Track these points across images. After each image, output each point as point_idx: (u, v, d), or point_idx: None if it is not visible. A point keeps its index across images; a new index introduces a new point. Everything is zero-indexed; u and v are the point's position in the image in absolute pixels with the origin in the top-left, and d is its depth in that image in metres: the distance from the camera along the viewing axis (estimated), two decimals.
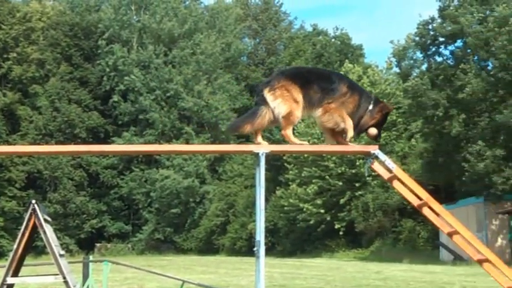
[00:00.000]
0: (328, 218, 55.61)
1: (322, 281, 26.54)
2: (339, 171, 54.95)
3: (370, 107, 8.92)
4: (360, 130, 8.93)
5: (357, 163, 52.72)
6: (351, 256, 52.93)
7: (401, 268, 35.52)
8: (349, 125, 8.76)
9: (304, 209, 56.35)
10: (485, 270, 8.28)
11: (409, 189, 8.58)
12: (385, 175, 8.88)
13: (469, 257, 9.40)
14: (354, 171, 54.29)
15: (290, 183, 59.78)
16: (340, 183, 55.13)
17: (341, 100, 8.82)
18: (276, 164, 60.30)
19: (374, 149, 8.65)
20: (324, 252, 56.32)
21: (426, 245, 49.54)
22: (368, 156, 8.88)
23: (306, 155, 54.23)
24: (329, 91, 8.83)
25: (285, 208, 59.62)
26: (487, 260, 8.11)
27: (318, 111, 8.84)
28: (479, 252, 8.19)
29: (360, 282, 25.38)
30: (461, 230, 8.22)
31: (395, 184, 8.73)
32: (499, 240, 42.02)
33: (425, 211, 8.56)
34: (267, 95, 8.76)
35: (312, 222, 56.30)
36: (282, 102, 8.68)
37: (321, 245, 57.83)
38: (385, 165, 8.63)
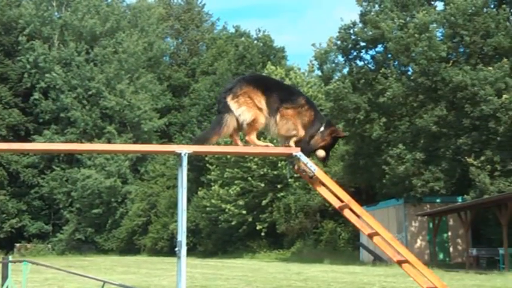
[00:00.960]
0: (250, 219, 55.71)
1: (243, 281, 26.54)
2: (261, 173, 55.05)
3: (322, 128, 8.94)
4: (310, 149, 8.91)
5: (279, 165, 52.94)
6: (272, 257, 53.03)
7: (322, 269, 35.74)
8: (300, 135, 8.81)
9: (226, 210, 56.30)
10: (404, 271, 8.40)
11: (331, 191, 8.62)
12: (307, 177, 8.94)
13: (389, 257, 9.53)
14: (276, 172, 54.50)
15: (212, 184, 59.65)
16: (262, 185, 55.22)
17: (298, 110, 8.85)
18: (198, 164, 60.26)
19: (296, 151, 8.63)
20: (245, 253, 56.38)
21: (347, 246, 49.97)
22: (290, 158, 8.92)
23: (228, 156, 54.30)
24: (288, 100, 8.86)
25: (207, 209, 59.46)
26: (406, 261, 8.23)
27: (276, 117, 8.82)
28: (399, 253, 8.31)
29: (281, 283, 25.44)
30: (381, 231, 8.32)
31: (317, 186, 8.79)
32: (419, 241, 42.66)
33: (347, 213, 8.63)
34: (231, 102, 8.70)
35: (233, 223, 56.28)
36: (246, 110, 8.67)
37: (243, 246, 57.90)
38: (307, 167, 8.67)
